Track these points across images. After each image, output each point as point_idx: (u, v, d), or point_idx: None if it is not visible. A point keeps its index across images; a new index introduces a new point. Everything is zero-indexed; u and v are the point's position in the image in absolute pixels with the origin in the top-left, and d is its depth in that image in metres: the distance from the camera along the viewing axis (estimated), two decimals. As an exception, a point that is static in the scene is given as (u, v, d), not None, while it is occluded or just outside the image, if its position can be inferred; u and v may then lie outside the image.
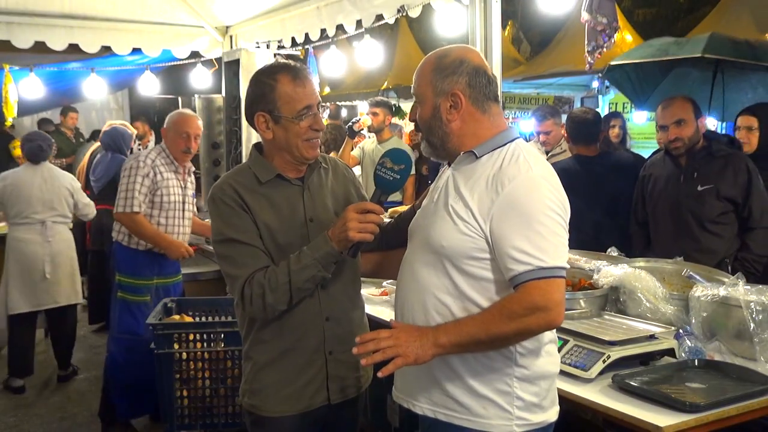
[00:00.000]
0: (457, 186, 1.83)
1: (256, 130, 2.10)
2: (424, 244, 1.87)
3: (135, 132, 6.50)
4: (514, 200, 1.72)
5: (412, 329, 1.77)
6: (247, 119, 2.13)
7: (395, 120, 12.33)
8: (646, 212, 3.75)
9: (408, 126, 11.88)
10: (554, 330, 1.88)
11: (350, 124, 5.95)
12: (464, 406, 1.80)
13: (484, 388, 1.78)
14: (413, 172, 5.38)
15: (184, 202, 4.11)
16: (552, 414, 1.86)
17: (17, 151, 9.06)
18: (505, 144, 1.84)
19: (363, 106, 12.61)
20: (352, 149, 6.08)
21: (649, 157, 4.22)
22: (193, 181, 4.28)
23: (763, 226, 3.39)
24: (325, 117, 8.82)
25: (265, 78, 2.07)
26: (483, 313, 1.73)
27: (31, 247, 4.91)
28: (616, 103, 12.14)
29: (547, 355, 1.84)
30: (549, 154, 5.08)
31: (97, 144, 6.53)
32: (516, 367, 1.78)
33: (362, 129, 5.99)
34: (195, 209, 4.35)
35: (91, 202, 5.33)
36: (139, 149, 8.23)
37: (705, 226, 3.44)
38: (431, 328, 1.75)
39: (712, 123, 10.24)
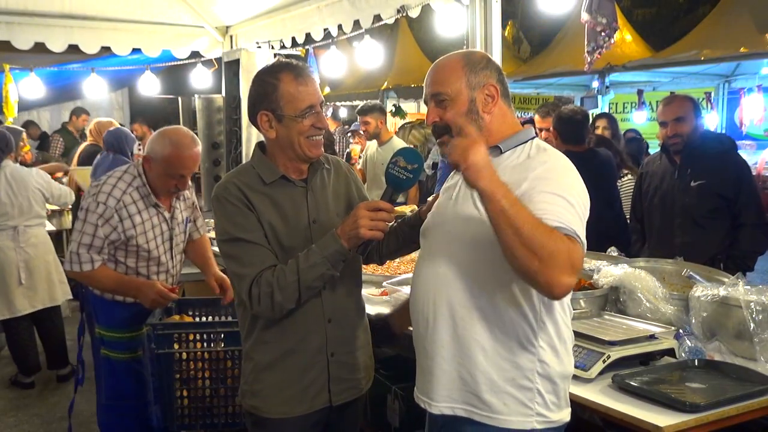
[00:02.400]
0: None
1: (259, 129, 2.10)
2: (447, 239, 1.86)
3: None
4: (547, 179, 1.72)
5: (491, 162, 1.64)
6: (249, 119, 2.13)
7: (397, 119, 12.35)
8: (643, 209, 3.83)
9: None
10: (572, 329, 1.88)
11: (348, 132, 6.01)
12: (485, 402, 1.79)
13: (506, 384, 1.78)
14: None
15: (171, 239, 3.22)
16: (566, 414, 1.86)
17: (21, 148, 9.04)
18: (527, 141, 1.87)
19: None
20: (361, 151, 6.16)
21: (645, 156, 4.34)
22: (189, 196, 3.36)
23: (753, 223, 3.47)
24: (327, 116, 8.84)
25: (267, 77, 2.07)
26: (539, 219, 1.60)
27: (4, 254, 4.83)
28: (616, 104, 12.16)
29: (567, 354, 1.84)
30: None
31: (86, 144, 6.52)
32: (539, 363, 1.78)
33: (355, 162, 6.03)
34: (198, 233, 3.53)
35: (67, 188, 5.29)
36: (139, 150, 8.21)
37: (697, 221, 3.54)
38: (498, 176, 1.63)
39: (713, 122, 10.27)
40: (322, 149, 2.13)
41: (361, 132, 6.12)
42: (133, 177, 3.08)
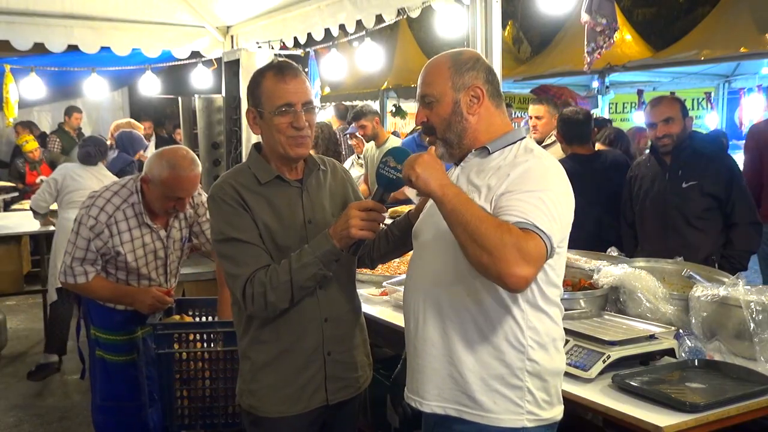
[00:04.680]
0: (469, 178, 1.86)
1: (250, 127, 2.13)
2: (436, 239, 1.87)
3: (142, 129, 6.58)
4: (523, 178, 1.73)
5: (441, 169, 1.74)
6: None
7: (397, 119, 12.36)
8: (634, 213, 3.81)
9: (408, 125, 11.88)
10: (562, 327, 1.88)
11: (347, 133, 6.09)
12: (475, 401, 1.79)
13: (496, 383, 1.78)
14: None
15: (166, 257, 3.21)
16: (558, 412, 1.86)
17: (28, 146, 9.07)
18: (515, 142, 1.88)
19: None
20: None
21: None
22: (191, 215, 3.26)
23: (746, 221, 3.49)
24: (330, 116, 8.84)
25: (256, 75, 2.11)
26: (489, 215, 1.66)
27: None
28: (616, 104, 12.16)
29: (556, 351, 1.84)
30: (542, 145, 4.94)
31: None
32: (528, 362, 1.78)
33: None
34: (205, 249, 3.40)
35: None
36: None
37: (690, 222, 3.54)
38: (449, 180, 1.73)
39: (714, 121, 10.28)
40: (307, 150, 2.12)
41: (359, 135, 6.18)
42: (130, 193, 3.07)
